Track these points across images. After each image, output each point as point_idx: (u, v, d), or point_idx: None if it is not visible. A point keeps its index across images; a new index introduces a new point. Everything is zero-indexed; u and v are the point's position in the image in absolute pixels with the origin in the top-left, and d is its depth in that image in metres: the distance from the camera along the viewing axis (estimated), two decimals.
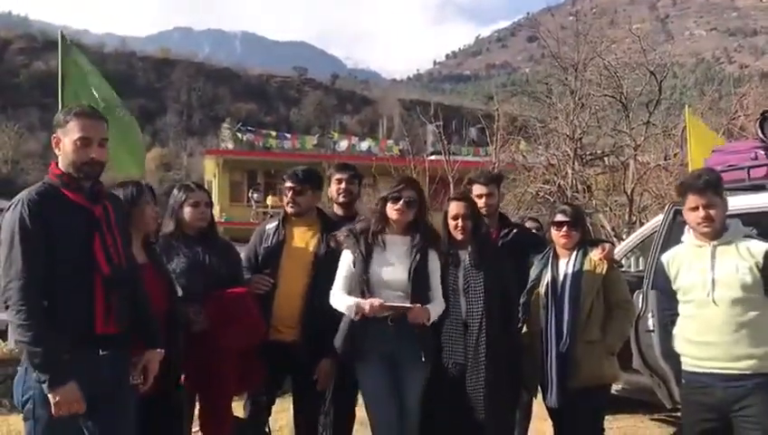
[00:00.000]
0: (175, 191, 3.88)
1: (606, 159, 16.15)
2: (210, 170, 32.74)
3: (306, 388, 3.99)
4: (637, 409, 6.06)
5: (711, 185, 3.24)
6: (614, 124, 16.31)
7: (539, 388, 4.03)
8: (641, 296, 4.78)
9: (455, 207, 3.94)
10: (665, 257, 3.45)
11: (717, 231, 3.23)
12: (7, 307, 2.61)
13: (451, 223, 3.93)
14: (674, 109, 17.33)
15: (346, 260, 3.69)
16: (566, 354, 3.79)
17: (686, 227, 3.37)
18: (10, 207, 2.67)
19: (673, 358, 4.56)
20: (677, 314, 3.36)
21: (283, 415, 4.96)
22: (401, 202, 3.67)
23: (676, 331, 3.37)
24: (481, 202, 4.22)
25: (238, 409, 4.02)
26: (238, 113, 69.82)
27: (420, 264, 3.63)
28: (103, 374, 2.72)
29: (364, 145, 35.27)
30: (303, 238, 4.05)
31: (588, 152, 15.64)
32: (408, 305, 3.51)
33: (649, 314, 4.70)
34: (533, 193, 14.47)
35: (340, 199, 4.36)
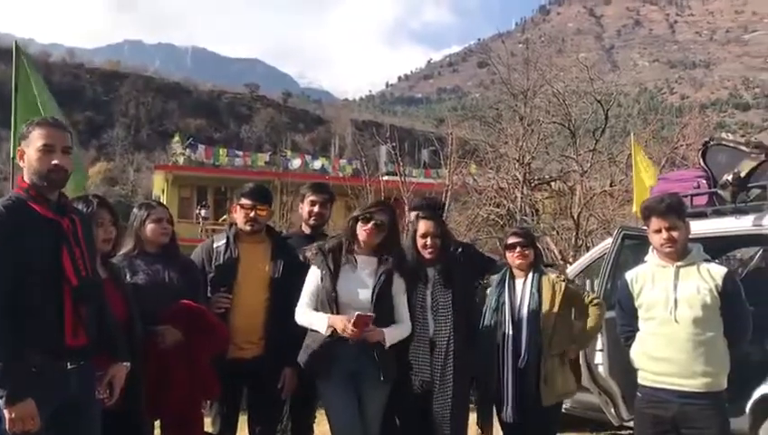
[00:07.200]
0: (135, 210, 3.88)
1: (553, 183, 16.59)
2: (159, 186, 32.22)
3: (263, 403, 4.02)
4: (584, 427, 6.21)
5: (673, 209, 3.38)
6: (561, 150, 16.81)
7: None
8: None
9: (424, 226, 3.98)
10: (629, 275, 3.56)
11: (680, 253, 3.38)
12: None
13: (420, 241, 3.97)
14: (619, 136, 17.93)
15: (313, 276, 3.71)
16: (525, 370, 3.93)
17: (651, 247, 3.50)
18: None
19: (621, 376, 4.77)
20: (636, 331, 3.48)
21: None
22: (371, 224, 3.71)
23: (635, 346, 3.49)
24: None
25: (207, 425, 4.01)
26: (188, 129, 68.88)
27: (384, 286, 3.67)
28: (71, 388, 2.72)
29: (317, 164, 35.26)
30: (257, 255, 4.05)
31: (536, 177, 16.03)
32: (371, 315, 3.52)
33: (599, 334, 4.86)
34: (484, 216, 14.73)
35: (311, 222, 4.43)
